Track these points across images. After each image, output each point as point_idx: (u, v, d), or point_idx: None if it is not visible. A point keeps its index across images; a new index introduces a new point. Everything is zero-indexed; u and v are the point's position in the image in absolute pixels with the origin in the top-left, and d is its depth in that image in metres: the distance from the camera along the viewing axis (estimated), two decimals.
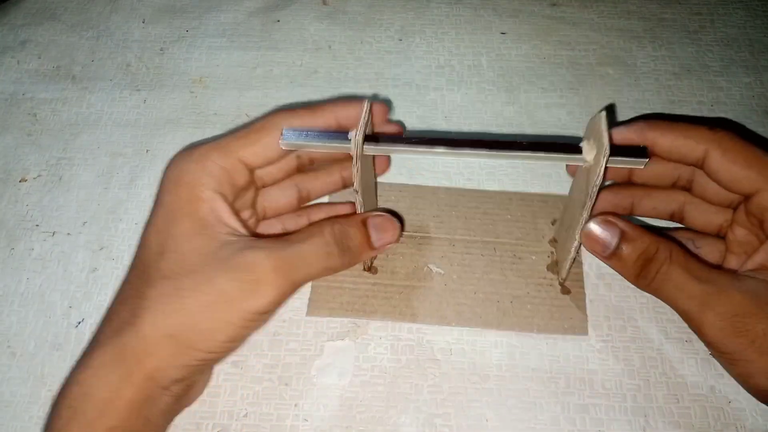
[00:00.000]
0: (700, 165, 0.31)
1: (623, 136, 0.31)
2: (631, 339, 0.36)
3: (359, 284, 0.38)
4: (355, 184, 0.31)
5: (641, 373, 0.35)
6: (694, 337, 0.36)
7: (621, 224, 0.30)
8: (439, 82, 0.49)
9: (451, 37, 0.51)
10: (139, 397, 0.27)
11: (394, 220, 0.33)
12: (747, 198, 0.30)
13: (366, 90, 0.48)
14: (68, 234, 0.41)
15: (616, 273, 0.38)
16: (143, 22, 0.53)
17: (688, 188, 0.34)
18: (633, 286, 0.38)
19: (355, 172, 0.30)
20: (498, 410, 0.34)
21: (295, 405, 0.34)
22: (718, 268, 0.33)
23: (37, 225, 0.42)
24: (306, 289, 0.38)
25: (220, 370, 0.35)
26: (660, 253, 0.29)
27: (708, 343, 0.29)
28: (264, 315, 0.29)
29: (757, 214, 0.30)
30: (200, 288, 0.27)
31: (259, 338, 0.36)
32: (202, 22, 0.53)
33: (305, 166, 0.35)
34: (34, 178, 0.44)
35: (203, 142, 0.31)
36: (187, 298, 0.27)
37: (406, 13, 0.53)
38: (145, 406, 0.28)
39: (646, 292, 0.30)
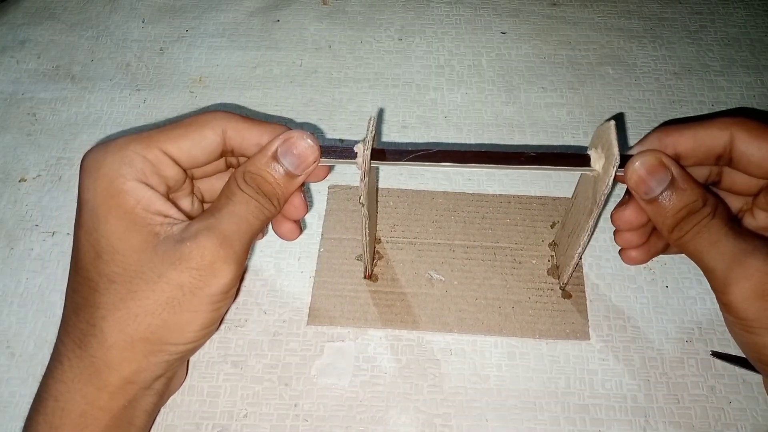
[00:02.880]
0: (727, 154, 0.29)
1: (634, 161, 0.29)
2: (632, 339, 0.36)
3: (360, 292, 0.38)
4: (361, 197, 0.30)
5: (641, 374, 0.35)
6: (695, 336, 0.36)
7: (674, 169, 0.28)
8: (439, 81, 0.49)
9: (451, 37, 0.51)
10: (120, 403, 0.27)
11: (304, 134, 0.29)
12: None
13: (366, 90, 0.48)
14: (68, 234, 0.41)
15: (616, 273, 0.38)
16: (143, 22, 0.53)
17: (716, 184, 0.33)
18: (633, 286, 0.38)
19: (362, 186, 0.30)
20: (498, 410, 0.34)
21: (295, 405, 0.34)
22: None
23: (36, 225, 0.41)
24: (306, 298, 0.38)
25: (220, 370, 0.35)
26: (705, 208, 0.28)
27: (728, 306, 0.27)
28: (230, 291, 0.28)
29: None
30: (155, 287, 0.26)
31: (259, 338, 0.36)
32: (202, 22, 0.53)
33: (234, 164, 0.32)
34: (34, 178, 0.44)
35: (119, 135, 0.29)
36: (146, 299, 0.26)
37: (406, 13, 0.53)
38: (126, 411, 0.27)
39: (674, 245, 0.29)
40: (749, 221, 0.32)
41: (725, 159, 0.30)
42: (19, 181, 0.44)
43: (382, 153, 0.30)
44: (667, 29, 0.51)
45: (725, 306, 0.28)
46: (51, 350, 0.36)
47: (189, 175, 0.30)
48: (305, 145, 0.29)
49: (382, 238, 0.40)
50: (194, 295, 0.26)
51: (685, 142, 0.29)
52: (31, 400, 0.35)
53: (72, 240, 0.28)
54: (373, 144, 0.30)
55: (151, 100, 0.48)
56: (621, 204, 0.31)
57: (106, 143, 0.28)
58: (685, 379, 0.35)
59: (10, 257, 0.40)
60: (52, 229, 0.41)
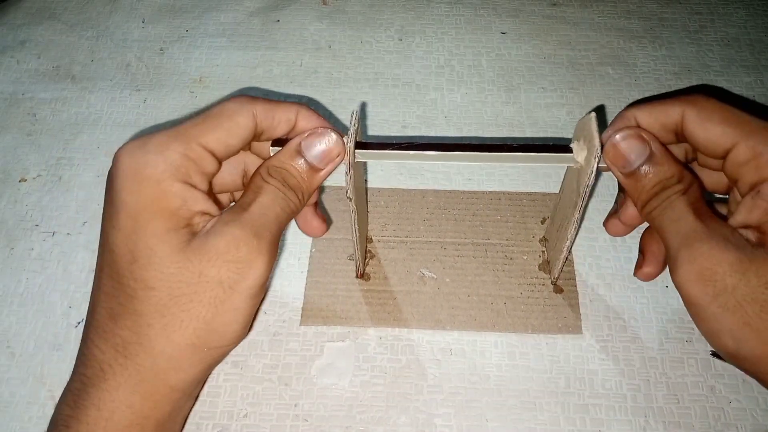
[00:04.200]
0: (680, 131, 0.29)
1: (609, 135, 0.30)
2: (631, 339, 0.36)
3: (352, 291, 0.38)
4: (348, 191, 0.30)
5: (641, 374, 0.35)
6: (695, 336, 0.36)
7: (653, 144, 0.28)
8: (439, 81, 0.49)
9: (451, 37, 0.51)
10: (166, 412, 0.27)
11: (327, 129, 0.29)
12: (725, 159, 0.28)
13: (366, 90, 0.48)
14: (68, 234, 0.41)
15: (616, 273, 0.38)
16: (143, 22, 0.53)
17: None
18: (633, 286, 0.38)
19: (348, 179, 0.30)
20: (498, 410, 0.34)
21: (295, 405, 0.34)
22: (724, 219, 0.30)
23: (36, 225, 0.41)
24: (299, 298, 0.38)
25: (220, 370, 0.35)
26: (678, 185, 0.28)
27: (677, 287, 0.27)
28: (265, 284, 0.28)
29: (733, 173, 0.28)
30: (197, 288, 0.26)
31: (259, 338, 0.36)
32: (202, 22, 0.53)
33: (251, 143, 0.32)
34: (34, 178, 0.44)
35: (150, 132, 0.29)
36: (190, 303, 0.26)
37: (406, 13, 0.53)
38: (170, 418, 0.27)
39: (645, 220, 0.29)
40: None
41: (681, 136, 0.29)
42: (19, 181, 0.44)
43: (365, 145, 0.30)
44: (667, 29, 0.51)
45: (677, 287, 0.27)
46: (51, 350, 0.36)
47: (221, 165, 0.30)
48: (329, 139, 0.29)
49: (373, 238, 0.40)
50: (233, 290, 0.26)
51: (642, 116, 0.29)
52: (31, 400, 0.35)
53: (100, 240, 0.27)
54: (356, 138, 0.30)
55: (151, 100, 0.48)
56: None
57: (143, 142, 0.27)
58: (685, 379, 0.35)
59: (10, 257, 0.40)
60: (52, 229, 0.41)
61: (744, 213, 0.27)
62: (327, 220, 0.34)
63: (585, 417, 0.34)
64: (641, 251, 0.33)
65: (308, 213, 0.33)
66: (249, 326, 0.28)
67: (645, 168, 0.28)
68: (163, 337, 0.26)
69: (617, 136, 0.28)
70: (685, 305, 0.27)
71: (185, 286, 0.25)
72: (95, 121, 0.47)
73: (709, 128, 0.28)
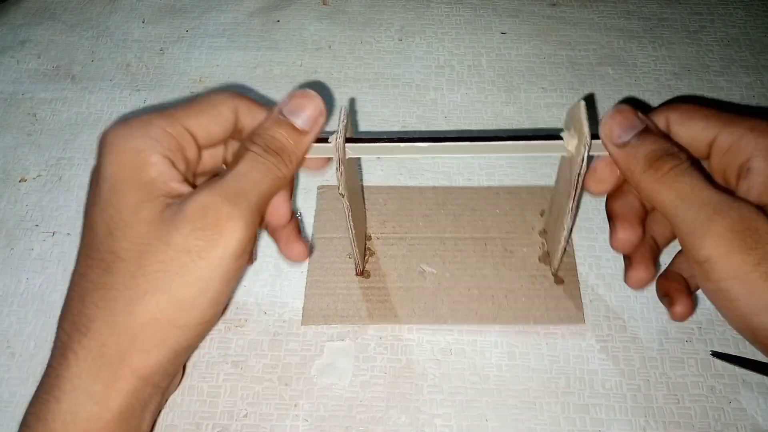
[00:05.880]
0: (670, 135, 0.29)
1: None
2: (631, 339, 0.36)
3: (353, 289, 0.38)
4: (340, 187, 0.30)
5: (641, 374, 0.35)
6: (695, 336, 0.36)
7: (649, 122, 0.28)
8: (438, 82, 0.49)
9: (451, 37, 0.51)
10: (130, 403, 0.25)
11: (308, 91, 0.29)
12: (710, 156, 0.29)
13: (366, 90, 0.48)
14: (68, 234, 0.41)
15: (616, 273, 0.38)
16: (143, 22, 0.53)
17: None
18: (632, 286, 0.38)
19: (339, 176, 0.30)
20: (498, 410, 0.34)
21: (295, 405, 0.34)
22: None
23: (36, 225, 0.42)
24: (299, 298, 0.38)
25: (220, 370, 0.35)
26: (682, 153, 0.27)
27: (702, 263, 0.25)
28: (241, 257, 0.26)
29: (720, 164, 0.28)
30: (164, 257, 0.24)
31: (259, 338, 0.36)
32: (202, 22, 0.53)
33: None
34: (34, 178, 0.44)
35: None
36: (155, 273, 0.24)
37: (406, 13, 0.53)
38: (135, 413, 0.26)
39: (646, 190, 0.27)
40: None
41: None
42: (19, 181, 0.44)
43: (355, 141, 0.30)
44: (667, 29, 0.51)
45: (700, 266, 0.25)
46: (51, 350, 0.36)
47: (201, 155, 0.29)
48: (310, 99, 0.29)
49: (372, 235, 0.40)
50: (201, 258, 0.24)
51: None
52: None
53: (82, 224, 0.27)
54: (346, 133, 0.30)
55: (151, 100, 0.48)
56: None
57: (127, 121, 0.27)
58: (685, 379, 0.35)
59: (10, 257, 0.40)
60: (52, 229, 0.41)
61: (742, 193, 0.27)
62: (310, 247, 0.33)
63: (585, 417, 0.34)
64: (610, 217, 0.31)
65: (290, 237, 0.32)
66: (221, 305, 0.27)
67: (639, 138, 0.27)
68: (126, 311, 0.24)
69: (613, 110, 0.28)
70: (708, 285, 0.25)
71: (152, 256, 0.24)
72: (95, 121, 0.47)
73: (691, 126, 0.28)
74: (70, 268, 0.39)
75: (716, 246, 0.24)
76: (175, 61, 0.50)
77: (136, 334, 0.24)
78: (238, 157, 0.27)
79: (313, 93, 0.29)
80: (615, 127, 0.28)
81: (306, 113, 0.28)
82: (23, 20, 0.53)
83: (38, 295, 0.39)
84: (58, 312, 0.37)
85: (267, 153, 0.27)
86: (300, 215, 0.41)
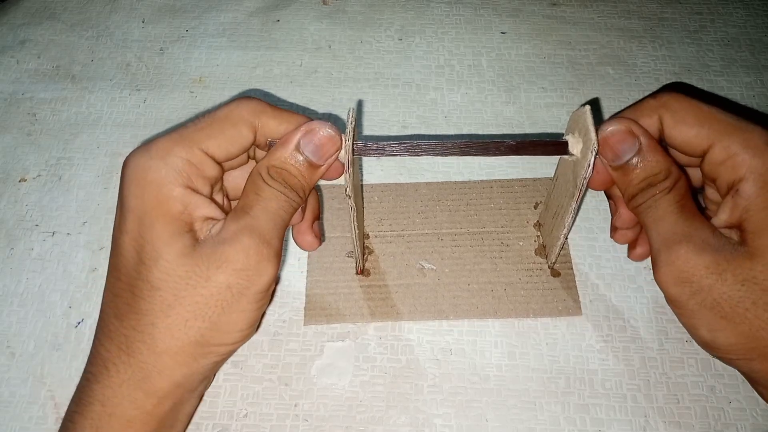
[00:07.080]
0: (660, 136, 0.29)
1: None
2: (631, 339, 0.36)
3: (353, 288, 0.38)
4: (347, 188, 0.31)
5: (641, 374, 0.35)
6: None
7: (643, 139, 0.28)
8: (438, 81, 0.49)
9: (451, 36, 0.51)
10: (167, 407, 0.27)
11: (325, 124, 0.29)
12: (702, 159, 0.29)
13: (366, 90, 0.48)
14: (68, 234, 0.41)
15: (616, 273, 0.38)
16: (143, 22, 0.53)
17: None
18: (633, 286, 0.38)
19: (347, 177, 0.30)
20: (498, 410, 0.34)
21: (295, 405, 0.34)
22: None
23: (36, 225, 0.41)
24: (299, 298, 0.38)
25: (220, 370, 0.35)
26: (665, 182, 0.28)
27: (658, 285, 0.28)
28: (272, 287, 0.29)
29: (711, 173, 0.28)
30: (204, 291, 0.26)
31: (259, 338, 0.36)
32: (202, 22, 0.53)
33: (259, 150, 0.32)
34: (34, 178, 0.44)
35: (158, 136, 0.29)
36: (195, 304, 0.26)
37: (406, 13, 0.53)
38: (172, 414, 0.28)
39: (633, 213, 0.30)
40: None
41: (663, 140, 0.30)
42: (19, 181, 0.44)
43: (365, 144, 0.30)
44: (667, 29, 0.51)
45: (656, 283, 0.28)
46: (51, 350, 0.36)
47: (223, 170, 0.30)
48: (326, 135, 0.29)
49: (370, 234, 0.40)
50: (242, 295, 0.27)
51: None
52: (31, 400, 0.35)
53: (111, 243, 0.28)
54: (354, 136, 0.30)
55: (151, 100, 0.48)
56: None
57: (147, 147, 0.28)
58: (685, 379, 0.35)
59: (10, 257, 0.40)
60: (52, 229, 0.41)
61: (726, 213, 0.28)
62: (321, 238, 0.34)
63: (585, 417, 0.34)
64: (610, 196, 0.33)
65: (305, 225, 0.33)
66: (256, 325, 0.29)
67: (634, 161, 0.28)
68: (167, 335, 0.26)
69: (608, 130, 0.28)
70: (666, 301, 0.29)
71: (192, 289, 0.26)
72: (95, 121, 0.47)
73: (684, 131, 0.28)
74: (70, 268, 0.40)
75: (663, 276, 0.28)
76: (175, 60, 0.50)
77: (177, 354, 0.27)
78: (257, 189, 0.28)
79: (333, 132, 0.29)
80: (610, 149, 0.29)
81: (324, 152, 0.29)
82: (23, 20, 0.53)
83: (38, 295, 0.39)
84: (58, 312, 0.38)
85: (286, 188, 0.29)
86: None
